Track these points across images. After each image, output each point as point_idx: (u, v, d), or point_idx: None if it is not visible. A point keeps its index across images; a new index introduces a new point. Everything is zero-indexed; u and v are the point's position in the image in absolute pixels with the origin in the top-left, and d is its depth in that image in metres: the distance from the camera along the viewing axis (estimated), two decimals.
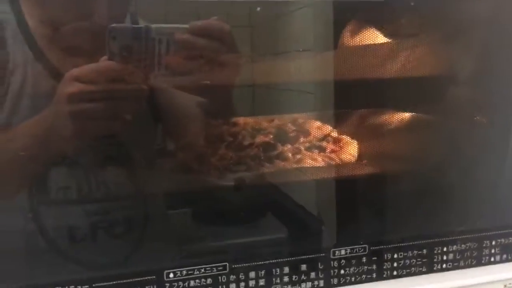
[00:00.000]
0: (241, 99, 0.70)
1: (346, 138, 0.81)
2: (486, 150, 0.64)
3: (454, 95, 0.70)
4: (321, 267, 0.53)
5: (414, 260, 0.55)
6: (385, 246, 0.53)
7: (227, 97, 0.62)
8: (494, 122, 0.66)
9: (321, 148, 0.77)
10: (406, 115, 0.79)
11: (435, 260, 0.56)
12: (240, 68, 0.56)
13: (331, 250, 0.54)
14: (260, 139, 0.83)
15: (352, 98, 0.83)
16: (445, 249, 0.56)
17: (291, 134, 0.84)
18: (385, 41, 0.82)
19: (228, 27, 0.50)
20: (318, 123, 0.91)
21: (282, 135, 0.84)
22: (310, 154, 0.75)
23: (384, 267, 0.54)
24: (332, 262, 0.53)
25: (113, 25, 0.45)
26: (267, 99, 0.97)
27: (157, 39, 0.46)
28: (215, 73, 0.52)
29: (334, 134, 0.84)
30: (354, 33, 0.88)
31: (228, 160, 0.77)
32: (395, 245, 0.54)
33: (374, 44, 0.83)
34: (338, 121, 0.90)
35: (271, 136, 0.84)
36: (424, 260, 0.55)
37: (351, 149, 0.78)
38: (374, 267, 0.55)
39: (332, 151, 0.77)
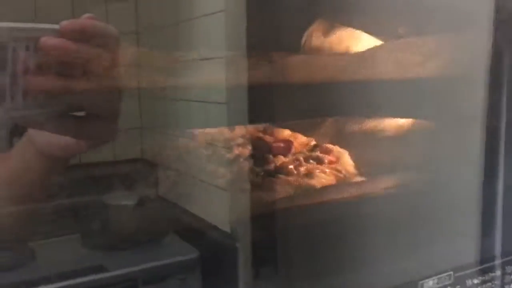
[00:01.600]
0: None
1: (335, 147, 0.72)
2: None
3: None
4: None
5: None
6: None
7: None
8: None
9: (318, 159, 0.67)
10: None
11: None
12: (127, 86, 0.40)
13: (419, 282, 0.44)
14: (240, 151, 0.70)
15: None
16: None
17: (274, 144, 0.72)
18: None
19: (115, 29, 0.33)
20: (287, 132, 0.81)
21: (262, 144, 0.72)
22: (315, 166, 0.64)
23: None
24: None
25: None
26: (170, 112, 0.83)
27: (10, 47, 0.30)
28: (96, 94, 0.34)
29: (316, 143, 0.75)
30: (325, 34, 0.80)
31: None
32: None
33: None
34: (308, 129, 0.81)
35: (249, 148, 0.71)
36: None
37: (347, 159, 0.69)
38: None
39: (330, 162, 0.67)
